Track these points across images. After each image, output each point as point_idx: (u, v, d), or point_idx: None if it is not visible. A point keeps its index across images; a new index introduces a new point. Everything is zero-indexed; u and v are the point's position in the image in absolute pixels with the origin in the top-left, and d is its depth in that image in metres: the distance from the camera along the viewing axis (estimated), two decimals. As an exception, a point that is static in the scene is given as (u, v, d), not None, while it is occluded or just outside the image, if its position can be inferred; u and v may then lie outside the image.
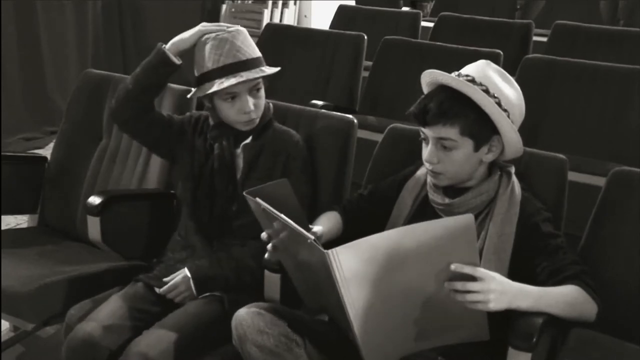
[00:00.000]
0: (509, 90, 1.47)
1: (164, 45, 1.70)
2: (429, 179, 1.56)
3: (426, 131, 1.47)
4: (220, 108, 1.73)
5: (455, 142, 1.44)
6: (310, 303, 1.55)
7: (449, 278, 1.23)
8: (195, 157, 1.79)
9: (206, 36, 1.69)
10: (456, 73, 1.48)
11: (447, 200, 1.50)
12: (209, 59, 1.68)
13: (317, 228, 1.54)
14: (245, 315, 1.38)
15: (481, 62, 1.50)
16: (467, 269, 1.22)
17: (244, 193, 1.39)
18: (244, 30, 1.74)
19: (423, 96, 1.49)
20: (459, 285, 1.23)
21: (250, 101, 1.71)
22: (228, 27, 1.71)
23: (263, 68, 1.72)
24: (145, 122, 1.77)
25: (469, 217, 1.18)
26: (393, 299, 1.25)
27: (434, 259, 1.21)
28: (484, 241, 1.45)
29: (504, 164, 1.54)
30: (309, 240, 1.22)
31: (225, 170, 1.76)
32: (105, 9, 4.93)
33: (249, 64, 1.69)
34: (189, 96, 1.79)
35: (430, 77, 1.50)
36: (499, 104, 1.43)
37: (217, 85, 1.66)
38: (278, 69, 1.76)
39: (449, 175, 1.49)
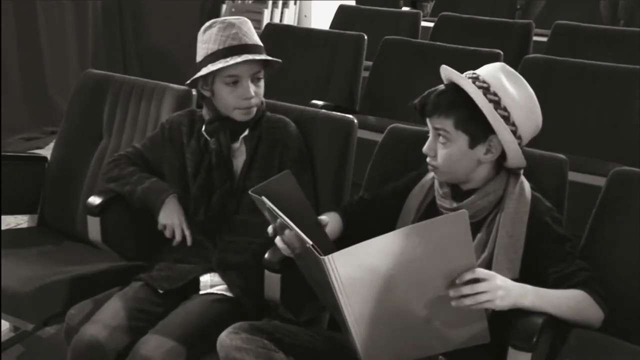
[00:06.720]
0: (516, 91, 1.46)
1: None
2: (436, 183, 1.55)
3: (428, 123, 1.49)
4: (220, 94, 1.74)
5: (449, 135, 1.44)
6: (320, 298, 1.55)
7: (451, 285, 1.23)
8: (186, 159, 1.80)
9: (212, 21, 1.73)
10: (470, 72, 1.49)
11: (455, 205, 1.50)
12: (215, 41, 1.70)
13: (324, 217, 1.53)
14: (224, 337, 1.42)
15: (496, 64, 1.51)
16: (468, 275, 1.22)
17: (250, 192, 1.39)
18: (249, 21, 1.77)
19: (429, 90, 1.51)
20: (467, 289, 1.22)
21: (252, 88, 1.73)
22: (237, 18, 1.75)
23: (266, 55, 1.75)
24: None
25: (461, 213, 1.18)
26: (392, 303, 1.24)
27: (431, 258, 1.20)
28: (494, 242, 1.44)
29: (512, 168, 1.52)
30: (307, 245, 1.22)
31: (223, 165, 1.76)
32: (105, 9, 4.93)
33: (254, 49, 1.73)
34: (188, 82, 1.78)
35: (443, 73, 1.52)
36: (497, 102, 1.42)
37: (223, 63, 1.67)
38: (280, 61, 1.78)
39: (443, 170, 1.49)
